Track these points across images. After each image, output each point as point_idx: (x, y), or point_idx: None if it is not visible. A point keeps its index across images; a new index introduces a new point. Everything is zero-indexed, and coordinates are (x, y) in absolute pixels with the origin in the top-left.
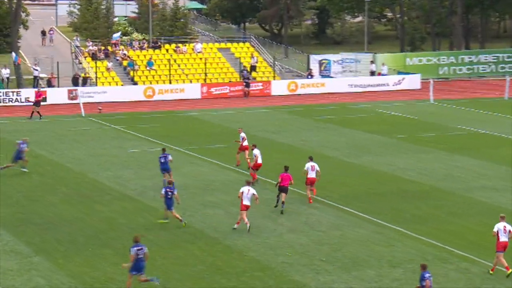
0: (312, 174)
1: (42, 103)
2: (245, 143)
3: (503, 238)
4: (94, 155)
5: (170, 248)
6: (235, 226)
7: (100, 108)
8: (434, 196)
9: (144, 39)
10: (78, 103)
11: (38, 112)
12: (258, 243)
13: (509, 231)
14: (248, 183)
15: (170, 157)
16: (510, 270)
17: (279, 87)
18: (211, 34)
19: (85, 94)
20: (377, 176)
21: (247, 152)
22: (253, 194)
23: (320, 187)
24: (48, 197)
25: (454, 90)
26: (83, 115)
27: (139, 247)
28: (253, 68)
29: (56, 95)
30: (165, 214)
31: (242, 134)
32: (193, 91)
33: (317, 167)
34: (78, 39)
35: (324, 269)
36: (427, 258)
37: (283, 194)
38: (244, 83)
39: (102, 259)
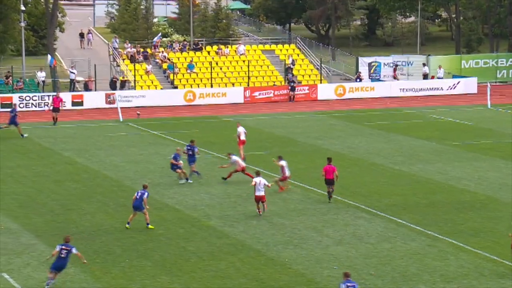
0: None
1: (79, 107)
2: (243, 137)
3: None
4: (132, 162)
5: (211, 259)
6: (259, 213)
7: (138, 112)
8: (490, 207)
9: (184, 40)
10: (116, 108)
11: (53, 118)
12: (303, 255)
13: None
14: (258, 174)
15: (197, 149)
16: None
17: (326, 91)
18: (254, 36)
19: (123, 98)
20: (429, 185)
21: (242, 147)
22: (265, 184)
23: (368, 195)
24: (83, 206)
25: None
26: (121, 120)
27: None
28: (289, 69)
29: (93, 99)
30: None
31: (240, 129)
32: (235, 95)
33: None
34: (117, 40)
35: (373, 283)
36: (484, 273)
37: (330, 186)
38: (289, 87)
39: (140, 271)
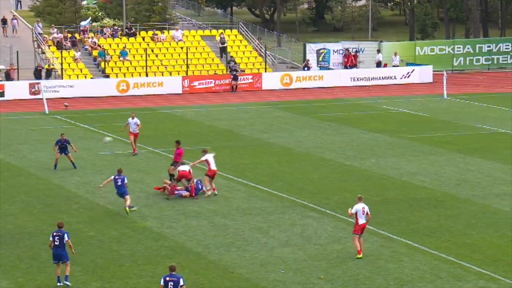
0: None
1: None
2: (133, 129)
3: None
4: (60, 158)
5: (147, 264)
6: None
7: (66, 104)
8: (447, 204)
9: (115, 25)
10: (41, 99)
11: None
12: (246, 258)
13: None
14: (205, 152)
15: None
16: None
17: (271, 80)
18: (193, 20)
19: (49, 89)
20: (381, 181)
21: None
22: (213, 156)
23: (316, 193)
24: (5, 207)
25: (470, 83)
26: (47, 112)
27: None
28: (222, 50)
29: (16, 90)
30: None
31: (133, 120)
32: (173, 85)
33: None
34: (40, 25)
35: None
36: (440, 276)
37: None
38: (232, 76)
39: (70, 277)
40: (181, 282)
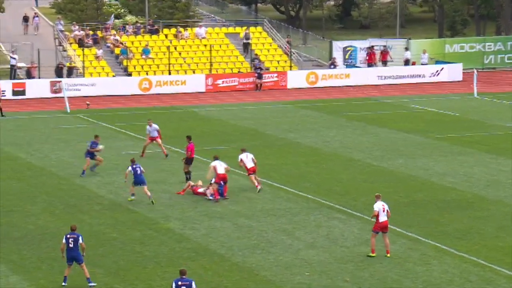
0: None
1: (20, 97)
2: (154, 135)
3: None
4: (81, 158)
5: (170, 265)
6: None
7: (88, 103)
8: (477, 206)
9: (138, 22)
10: (63, 97)
11: None
12: (271, 260)
13: None
14: (244, 151)
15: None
16: None
17: (297, 78)
18: (217, 17)
19: (70, 87)
20: (410, 182)
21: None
22: (252, 158)
23: (344, 194)
24: (27, 207)
25: (501, 82)
26: (68, 111)
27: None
28: (246, 46)
29: (37, 88)
30: (131, 190)
31: (153, 127)
32: (196, 83)
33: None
34: (62, 22)
35: None
36: (470, 279)
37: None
38: (256, 74)
39: (91, 279)
40: (193, 286)
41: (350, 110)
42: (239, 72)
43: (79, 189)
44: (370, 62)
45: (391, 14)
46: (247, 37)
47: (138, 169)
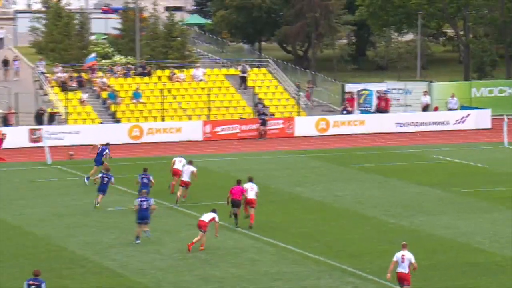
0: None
1: None
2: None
3: None
4: (63, 215)
5: None
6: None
7: (71, 153)
8: (509, 270)
9: (129, 63)
10: (43, 147)
11: None
12: None
13: None
14: (250, 180)
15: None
16: None
17: (305, 125)
18: (216, 57)
19: (52, 135)
20: (432, 242)
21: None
22: (256, 192)
23: (357, 255)
24: (1, 271)
25: None
26: (49, 162)
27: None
28: (243, 80)
29: (15, 136)
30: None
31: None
32: (192, 131)
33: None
34: (44, 63)
35: None
36: None
37: (236, 209)
38: (260, 121)
39: None
40: (43, 287)
41: (364, 160)
42: (240, 118)
43: (59, 251)
44: (381, 108)
45: (411, 54)
46: (243, 70)
47: (144, 203)
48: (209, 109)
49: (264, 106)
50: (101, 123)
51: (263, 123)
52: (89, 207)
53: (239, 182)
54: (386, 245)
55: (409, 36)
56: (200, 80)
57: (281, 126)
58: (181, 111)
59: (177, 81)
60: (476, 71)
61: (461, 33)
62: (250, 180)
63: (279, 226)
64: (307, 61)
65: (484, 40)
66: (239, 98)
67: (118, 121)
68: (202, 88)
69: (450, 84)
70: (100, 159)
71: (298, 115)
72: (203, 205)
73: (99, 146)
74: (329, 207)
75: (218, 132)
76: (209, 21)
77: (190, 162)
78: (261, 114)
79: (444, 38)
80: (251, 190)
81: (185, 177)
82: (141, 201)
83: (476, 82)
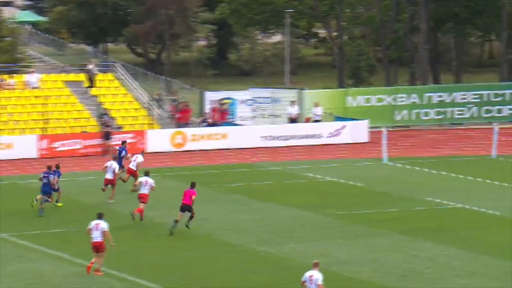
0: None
1: None
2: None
3: None
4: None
5: None
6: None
7: None
8: None
9: None
10: None
11: None
12: None
13: None
14: (147, 174)
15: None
16: None
17: (159, 140)
18: (54, 61)
19: None
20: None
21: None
22: (152, 186)
23: None
24: None
25: (417, 143)
26: None
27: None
28: (90, 78)
29: None
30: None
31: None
32: (26, 147)
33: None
34: None
35: None
36: None
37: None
38: (103, 134)
39: None
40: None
41: (227, 180)
42: (83, 132)
43: None
44: (216, 121)
45: (279, 57)
46: (92, 72)
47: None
48: (46, 121)
49: (110, 117)
50: None
51: (106, 136)
52: None
53: (193, 185)
54: (252, 275)
55: (276, 38)
56: (35, 87)
57: (131, 140)
58: (12, 123)
59: (7, 88)
60: (351, 77)
61: (335, 34)
62: (146, 174)
63: (129, 255)
64: (161, 66)
65: (360, 42)
66: (81, 109)
67: None
68: (37, 97)
69: (323, 92)
70: (120, 162)
71: (151, 128)
72: (42, 233)
73: (117, 148)
74: (188, 235)
75: (56, 148)
76: (44, 19)
77: (115, 158)
78: (106, 126)
79: (315, 39)
80: (145, 185)
81: (109, 175)
82: None
83: (352, 90)
